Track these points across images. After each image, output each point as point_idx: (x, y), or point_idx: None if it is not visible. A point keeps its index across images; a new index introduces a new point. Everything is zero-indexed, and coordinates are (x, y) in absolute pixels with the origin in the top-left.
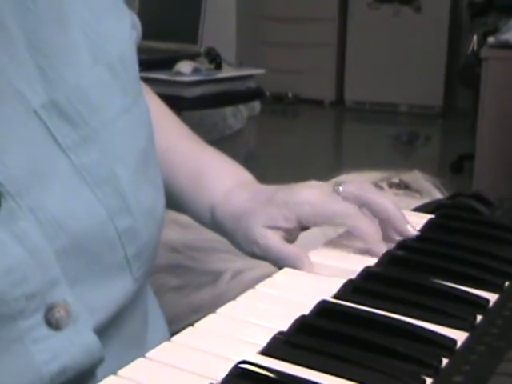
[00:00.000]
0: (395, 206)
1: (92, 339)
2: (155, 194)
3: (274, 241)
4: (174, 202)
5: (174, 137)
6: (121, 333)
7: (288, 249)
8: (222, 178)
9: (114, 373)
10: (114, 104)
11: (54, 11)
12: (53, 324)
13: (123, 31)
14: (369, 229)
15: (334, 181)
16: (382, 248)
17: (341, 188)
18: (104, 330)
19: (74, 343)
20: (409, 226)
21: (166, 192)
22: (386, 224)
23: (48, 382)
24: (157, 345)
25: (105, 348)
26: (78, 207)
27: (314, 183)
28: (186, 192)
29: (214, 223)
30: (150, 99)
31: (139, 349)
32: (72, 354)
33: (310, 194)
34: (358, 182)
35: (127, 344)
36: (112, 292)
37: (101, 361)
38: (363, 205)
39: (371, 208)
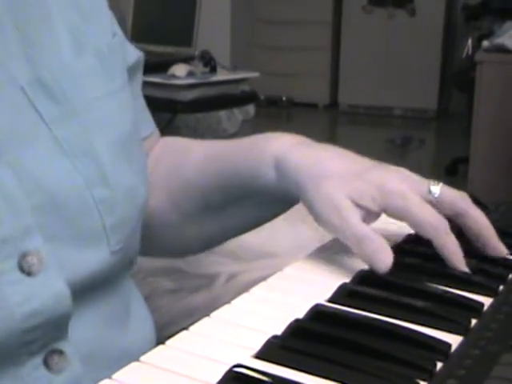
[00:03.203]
0: (489, 222)
1: (62, 288)
2: (137, 179)
3: (356, 218)
4: (233, 185)
5: (211, 141)
6: (95, 307)
7: (371, 235)
8: (281, 137)
9: (92, 347)
10: (98, 87)
11: (39, 9)
12: (25, 270)
13: (107, 29)
14: (455, 249)
15: (429, 181)
16: (465, 268)
17: (437, 191)
18: (77, 295)
19: (45, 289)
20: (501, 245)
21: (223, 186)
22: (477, 238)
23: (19, 323)
24: (141, 340)
25: (79, 316)
26: (55, 171)
27: (409, 174)
28: (242, 163)
29: (282, 178)
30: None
31: (117, 333)
32: (43, 298)
33: (406, 188)
34: (455, 190)
35: (105, 322)
36: (87, 256)
37: (70, 311)
38: (457, 215)
39: (465, 220)
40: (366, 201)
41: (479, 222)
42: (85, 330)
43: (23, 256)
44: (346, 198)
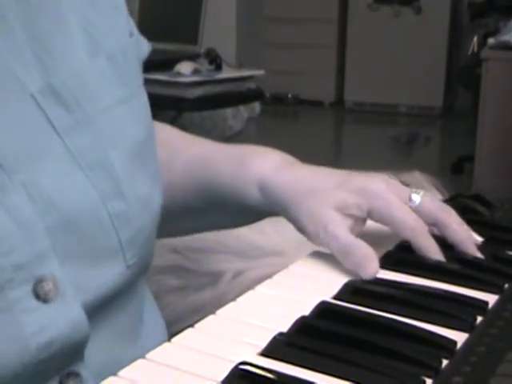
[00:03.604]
0: (467, 232)
1: (79, 314)
2: (152, 186)
3: (342, 229)
4: (216, 195)
5: (205, 143)
6: (110, 321)
7: (356, 244)
8: (267, 155)
9: (106, 364)
10: (111, 93)
11: (52, 6)
12: (41, 296)
13: (123, 27)
14: (433, 251)
15: (411, 189)
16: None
17: (417, 200)
18: (93, 312)
19: (62, 316)
20: (479, 254)
21: (206, 194)
22: (454, 246)
23: (34, 353)
24: (153, 347)
25: (93, 335)
26: (70, 187)
27: (389, 180)
28: (226, 175)
29: (266, 197)
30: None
31: (131, 344)
32: (59, 327)
33: (388, 191)
34: (435, 198)
35: (119, 336)
36: (103, 274)
37: (87, 337)
38: (435, 224)
39: (442, 230)
40: (352, 209)
41: (457, 234)
42: (97, 348)
43: (38, 282)
44: (332, 210)
